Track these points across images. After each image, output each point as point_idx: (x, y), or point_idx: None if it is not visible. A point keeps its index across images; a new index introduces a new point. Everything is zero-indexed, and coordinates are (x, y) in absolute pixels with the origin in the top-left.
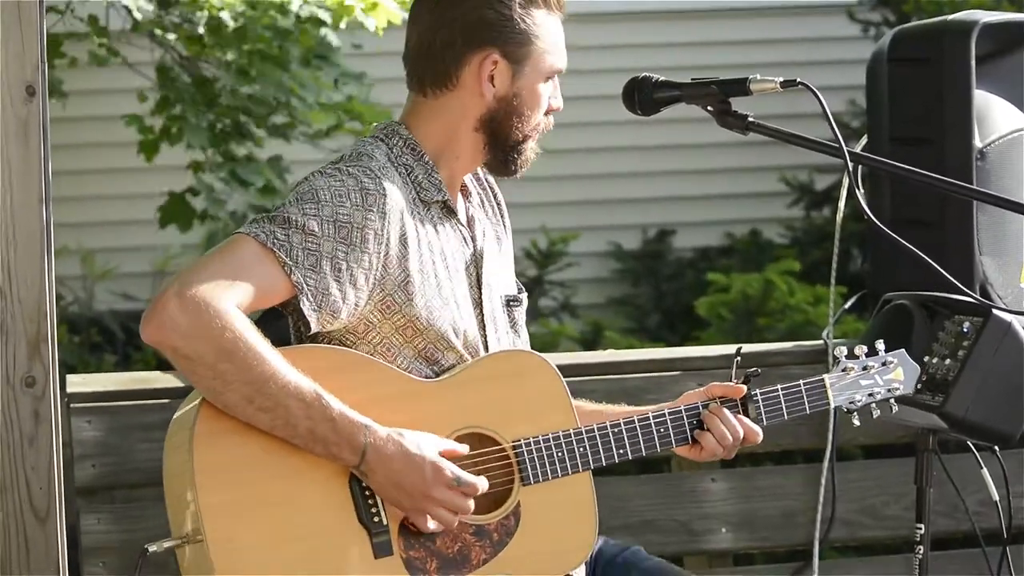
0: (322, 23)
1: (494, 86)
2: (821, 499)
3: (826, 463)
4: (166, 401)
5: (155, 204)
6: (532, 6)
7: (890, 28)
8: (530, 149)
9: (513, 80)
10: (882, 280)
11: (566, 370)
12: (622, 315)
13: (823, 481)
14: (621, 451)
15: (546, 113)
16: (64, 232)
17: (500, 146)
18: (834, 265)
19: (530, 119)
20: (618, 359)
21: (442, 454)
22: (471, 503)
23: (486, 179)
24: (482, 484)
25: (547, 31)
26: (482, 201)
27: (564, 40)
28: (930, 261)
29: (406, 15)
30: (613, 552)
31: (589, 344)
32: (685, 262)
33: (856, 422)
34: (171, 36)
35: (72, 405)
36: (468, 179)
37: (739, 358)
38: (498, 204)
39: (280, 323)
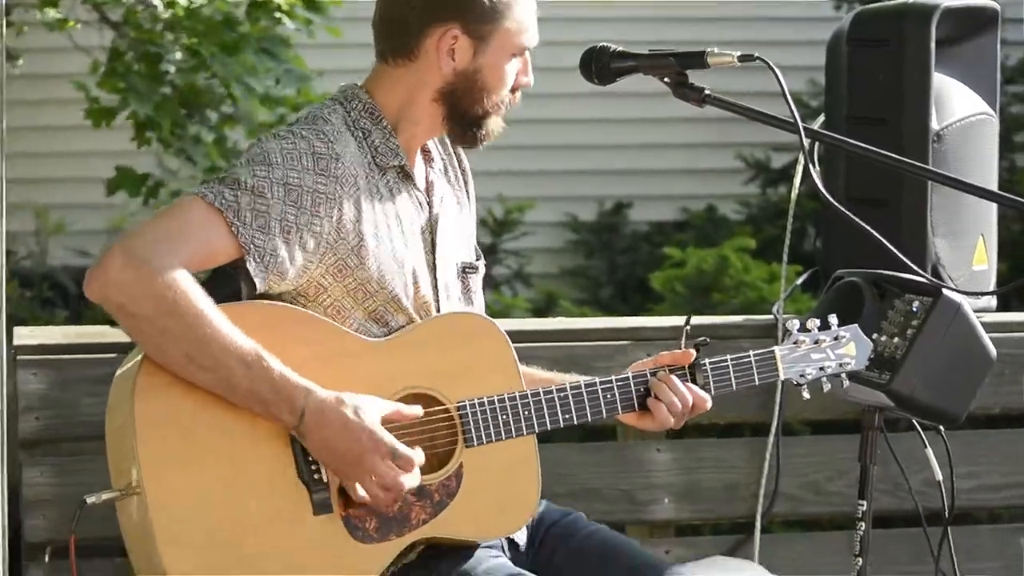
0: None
1: (454, 60)
2: (765, 473)
3: (771, 437)
4: (113, 356)
5: (111, 163)
6: None
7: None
8: (493, 123)
9: (475, 56)
10: (834, 258)
11: (516, 336)
12: (575, 286)
13: (768, 455)
14: (567, 416)
15: (513, 90)
16: (19, 188)
17: (459, 119)
18: (787, 241)
19: (492, 95)
20: (568, 327)
21: (389, 417)
22: (409, 479)
23: (452, 144)
24: (418, 458)
25: (518, 8)
26: (445, 167)
27: (536, 17)
28: (882, 240)
29: None
30: (555, 516)
31: (541, 314)
32: (640, 235)
33: (806, 395)
34: (119, 17)
35: (19, 357)
36: (433, 143)
37: (688, 327)
38: (462, 171)
39: (232, 284)
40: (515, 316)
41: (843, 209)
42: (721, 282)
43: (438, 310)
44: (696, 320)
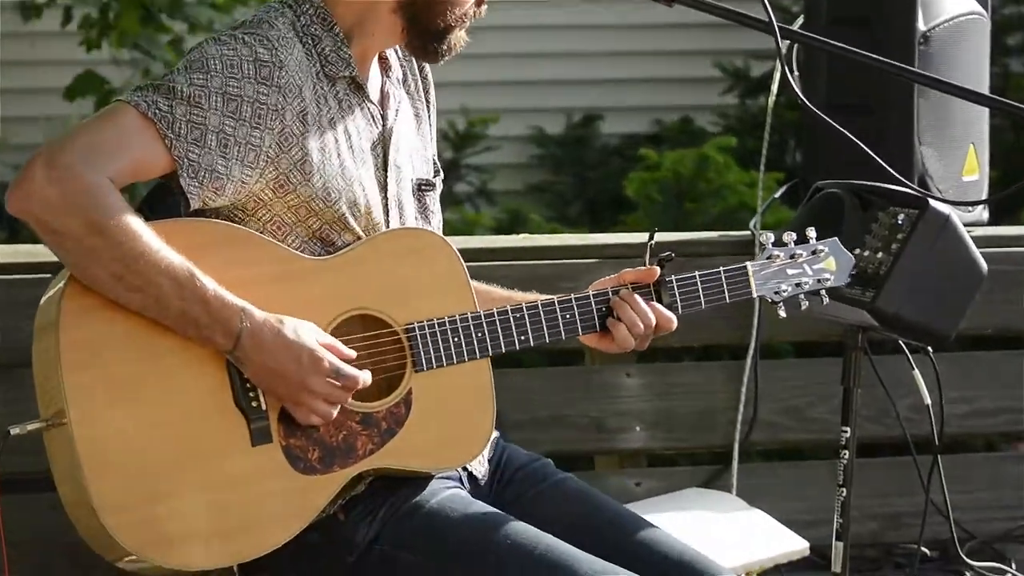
0: None
1: None
2: (743, 399)
3: (748, 360)
4: (51, 276)
5: (51, 74)
6: None
7: None
8: (456, 37)
9: None
10: (814, 168)
11: (476, 254)
12: (542, 203)
13: (745, 379)
14: (522, 337)
15: (478, 3)
16: None
17: (419, 32)
18: (764, 150)
19: (456, 7)
20: (531, 244)
21: (327, 346)
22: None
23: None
24: (364, 377)
25: None
26: (405, 75)
27: None
28: (865, 148)
29: None
30: (523, 459)
31: (506, 233)
32: (611, 149)
33: (782, 314)
34: None
35: None
36: (392, 51)
37: (653, 242)
38: (423, 79)
39: (169, 200)
40: (478, 232)
41: (822, 115)
42: (699, 187)
43: (387, 226)
44: (666, 236)
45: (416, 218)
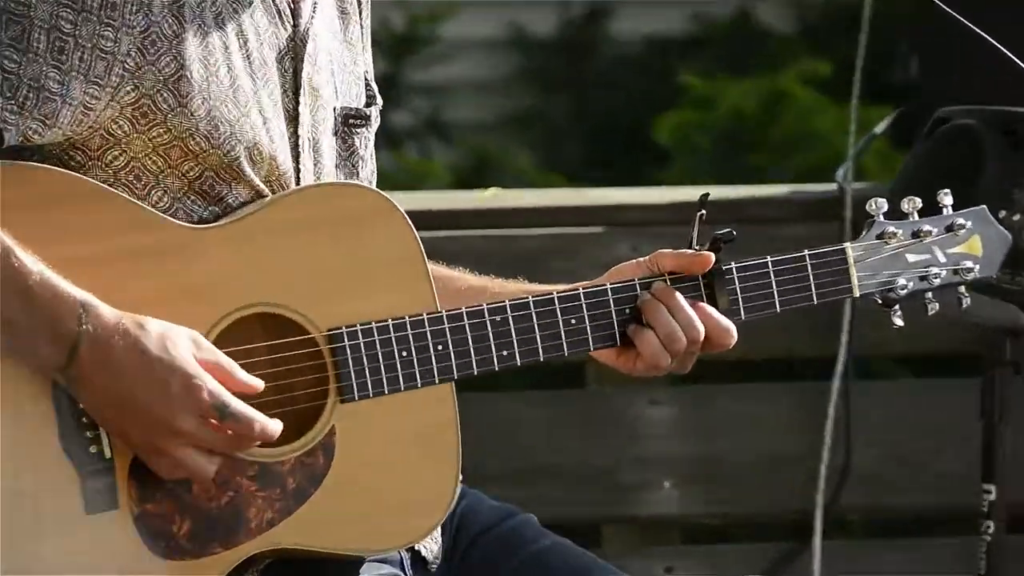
0: None
1: None
2: (828, 440)
3: (836, 381)
4: None
5: None
6: None
7: None
8: None
9: None
10: (935, 90)
11: (429, 220)
12: (524, 141)
13: (831, 411)
14: (505, 352)
15: None
16: None
17: None
18: (859, 66)
19: None
20: (509, 205)
21: (205, 364)
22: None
23: None
24: (271, 427)
25: None
26: None
27: None
28: (1012, 57)
29: None
30: (490, 518)
31: (470, 186)
32: (630, 60)
33: (898, 322)
34: None
35: None
36: None
37: (703, 211)
38: None
39: None
40: (430, 184)
41: (951, 11)
42: (771, 133)
43: (298, 181)
44: (718, 192)
45: (341, 166)
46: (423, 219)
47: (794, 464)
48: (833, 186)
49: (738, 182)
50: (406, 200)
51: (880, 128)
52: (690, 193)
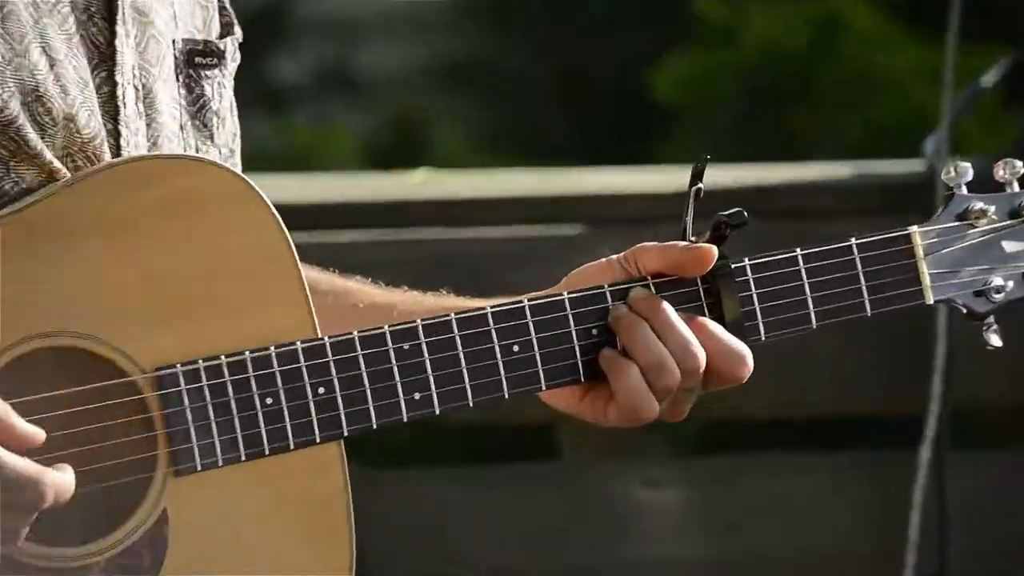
0: None
1: None
2: (914, 536)
3: (925, 453)
4: None
5: None
6: None
7: None
8: None
9: None
10: None
11: (328, 214)
12: (467, 104)
13: (917, 496)
14: (418, 395)
15: None
16: None
17: None
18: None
19: None
20: (445, 194)
21: None
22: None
23: None
24: (60, 482)
25: None
26: None
27: None
28: None
29: None
30: None
31: (387, 165)
32: None
33: (994, 340)
34: None
35: None
36: None
37: (700, 185)
38: None
39: None
40: (329, 169)
41: None
42: (820, 83)
43: (119, 152)
44: (748, 174)
45: (184, 129)
46: (319, 214)
47: (862, 570)
48: (919, 163)
49: (775, 156)
50: (295, 187)
51: (985, 80)
52: (708, 176)
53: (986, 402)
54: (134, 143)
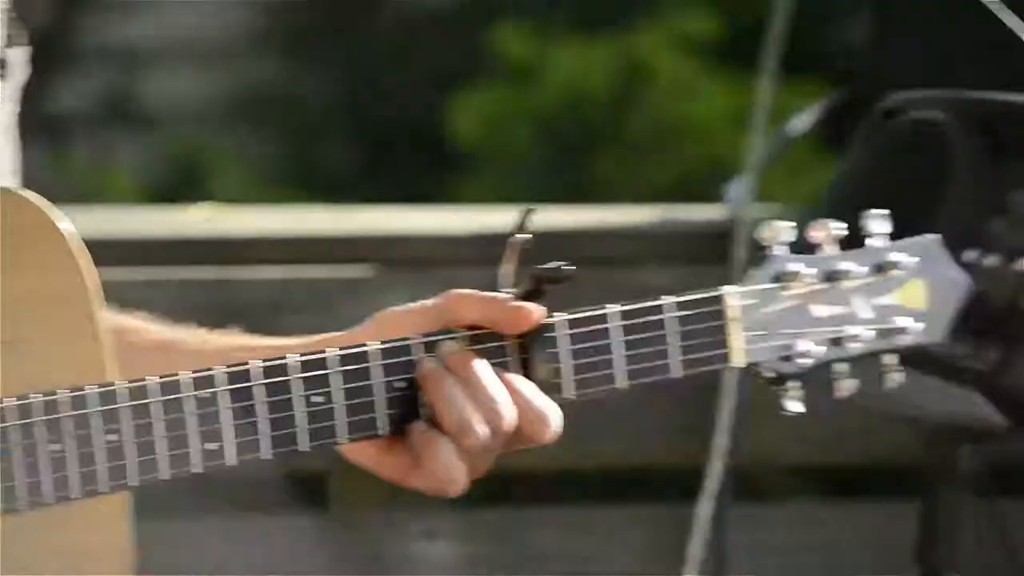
0: None
1: None
2: None
3: (706, 506)
4: None
5: None
6: None
7: None
8: None
9: None
10: (889, 64)
11: (107, 250)
12: (254, 137)
13: (693, 551)
14: (214, 446)
15: None
16: None
17: None
18: (773, 23)
19: None
20: (231, 232)
21: None
22: None
23: None
24: None
25: None
26: None
27: None
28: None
29: None
30: None
31: (169, 199)
32: (421, 16)
33: (794, 407)
34: None
35: None
36: None
37: (526, 235)
38: None
39: None
40: (114, 199)
41: None
42: (624, 126)
43: None
44: (547, 219)
45: None
46: (97, 251)
47: None
48: (721, 210)
49: (576, 200)
50: (73, 220)
51: (797, 125)
52: (504, 217)
53: (769, 453)
54: None
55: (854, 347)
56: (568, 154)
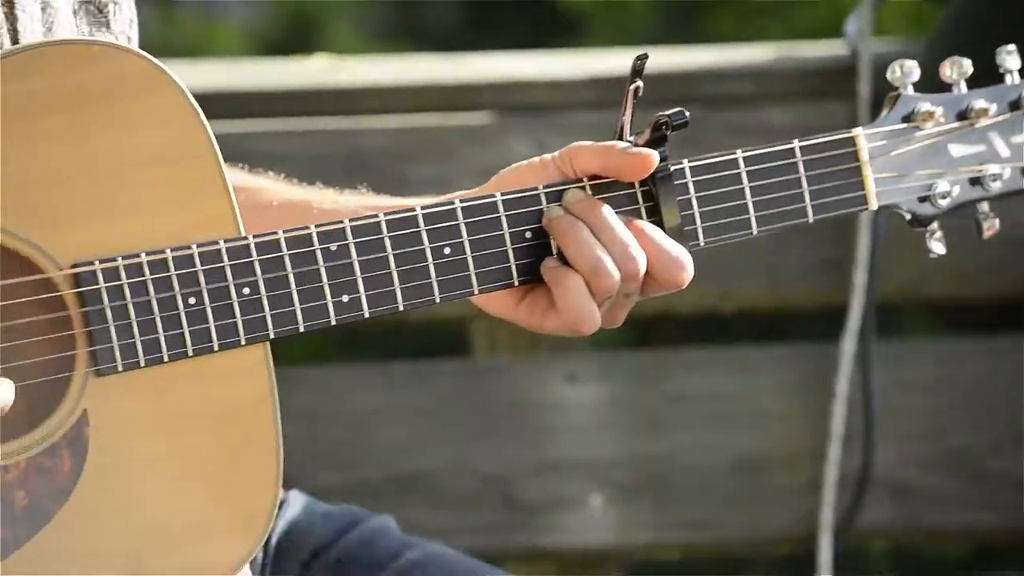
0: None
1: None
2: (838, 431)
3: (849, 345)
4: None
5: None
6: None
7: None
8: None
9: None
10: None
11: (219, 103)
12: (363, 4)
13: (841, 387)
14: (346, 298)
15: None
16: None
17: None
18: None
19: None
20: (346, 81)
21: None
22: None
23: None
24: (2, 393)
25: None
26: None
27: None
28: None
29: None
30: (331, 529)
31: (281, 51)
32: None
33: (937, 248)
34: None
35: None
36: None
37: (639, 83)
38: None
39: None
40: (222, 55)
41: None
42: None
43: (15, 40)
44: (662, 58)
45: (77, 16)
46: (208, 105)
47: (787, 468)
48: (841, 46)
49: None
50: (184, 74)
51: None
52: (620, 62)
53: (911, 292)
54: (31, 30)
55: (995, 186)
56: (682, 22)
